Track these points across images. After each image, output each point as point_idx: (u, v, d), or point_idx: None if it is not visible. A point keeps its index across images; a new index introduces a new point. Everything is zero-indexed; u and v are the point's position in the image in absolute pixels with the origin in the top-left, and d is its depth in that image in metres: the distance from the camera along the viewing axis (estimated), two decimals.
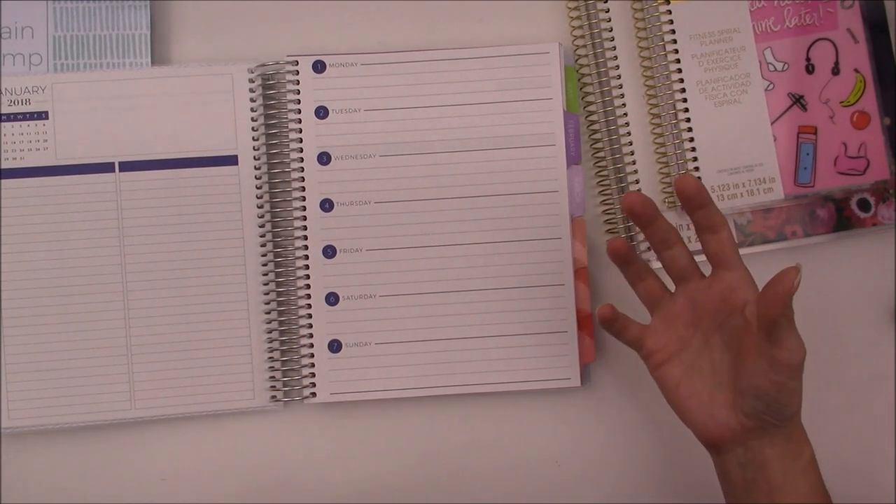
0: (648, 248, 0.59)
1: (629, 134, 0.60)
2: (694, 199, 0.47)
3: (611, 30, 0.60)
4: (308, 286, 0.58)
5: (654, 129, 0.60)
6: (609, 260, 0.60)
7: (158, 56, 0.60)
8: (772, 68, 0.59)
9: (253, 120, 0.58)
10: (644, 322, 0.52)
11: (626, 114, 0.60)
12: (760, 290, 0.44)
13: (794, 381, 0.44)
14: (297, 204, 0.58)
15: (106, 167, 0.58)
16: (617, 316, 0.51)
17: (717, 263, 0.48)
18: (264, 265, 0.58)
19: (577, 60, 0.60)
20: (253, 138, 0.58)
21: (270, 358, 0.58)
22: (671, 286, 0.52)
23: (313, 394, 0.57)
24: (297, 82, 0.58)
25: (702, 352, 0.49)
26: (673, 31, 0.59)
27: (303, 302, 0.58)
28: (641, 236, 0.59)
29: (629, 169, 0.59)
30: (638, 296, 0.52)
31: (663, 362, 0.50)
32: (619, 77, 0.60)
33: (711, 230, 0.47)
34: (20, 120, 0.58)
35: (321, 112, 0.58)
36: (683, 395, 0.48)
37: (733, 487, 0.48)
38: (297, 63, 0.59)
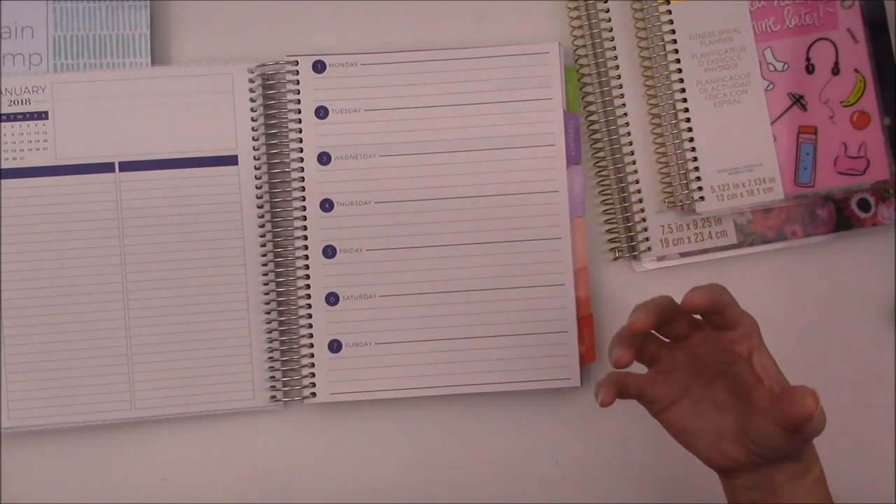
0: (648, 249, 0.59)
1: (629, 134, 0.60)
2: (713, 311, 0.44)
3: (611, 30, 0.60)
4: (308, 286, 0.58)
5: (654, 129, 0.60)
6: (608, 260, 0.60)
7: (158, 56, 0.60)
8: (772, 68, 0.59)
9: (253, 120, 0.58)
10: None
11: (626, 114, 0.60)
12: (778, 397, 0.42)
13: (811, 439, 0.44)
14: (297, 204, 0.58)
15: (106, 167, 0.58)
16: (618, 389, 0.46)
17: (720, 328, 0.45)
18: (264, 265, 0.58)
19: (577, 60, 0.60)
20: (253, 138, 0.58)
21: (270, 358, 0.58)
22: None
23: (313, 394, 0.57)
24: (297, 82, 0.58)
25: (704, 395, 0.47)
26: (673, 31, 0.58)
27: (303, 302, 0.58)
28: (640, 230, 0.59)
29: (629, 169, 0.59)
30: (638, 357, 0.48)
31: (665, 409, 0.47)
32: (619, 77, 0.60)
33: (718, 315, 0.44)
34: (20, 120, 0.58)
35: (321, 112, 0.58)
36: (691, 438, 0.47)
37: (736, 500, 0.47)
38: (297, 63, 0.59)
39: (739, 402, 0.45)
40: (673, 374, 0.47)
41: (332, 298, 0.58)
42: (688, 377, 0.47)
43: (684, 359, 0.47)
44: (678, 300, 0.45)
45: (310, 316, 0.58)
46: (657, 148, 0.59)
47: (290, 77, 0.59)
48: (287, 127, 0.59)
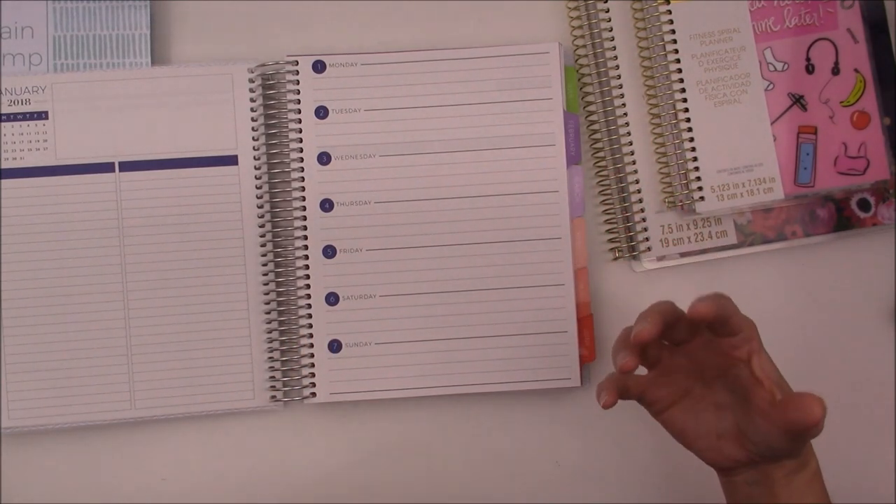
0: (648, 249, 0.59)
1: (629, 134, 0.60)
2: (716, 322, 0.44)
3: (611, 30, 0.60)
4: (308, 286, 0.58)
5: (654, 129, 0.60)
6: (608, 260, 0.60)
7: (158, 56, 0.60)
8: (772, 68, 0.59)
9: (253, 120, 0.58)
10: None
11: (626, 114, 0.59)
12: (782, 399, 0.42)
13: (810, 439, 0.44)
14: (297, 204, 0.58)
15: (106, 167, 0.58)
16: (619, 391, 0.46)
17: (720, 334, 0.45)
18: (264, 265, 0.58)
19: (577, 60, 0.60)
20: (253, 138, 0.58)
21: (270, 358, 0.58)
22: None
23: (313, 394, 0.57)
24: (297, 82, 0.58)
25: (704, 396, 0.47)
26: (673, 31, 0.58)
27: (303, 302, 0.58)
28: (640, 230, 0.59)
29: (629, 169, 0.59)
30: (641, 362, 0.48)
31: (664, 410, 0.48)
32: (619, 77, 0.60)
33: (721, 324, 0.44)
34: (20, 120, 0.58)
35: (321, 112, 0.58)
36: (690, 437, 0.47)
37: (737, 501, 0.47)
38: (297, 63, 0.59)
39: (739, 402, 0.46)
40: (673, 376, 0.47)
41: (332, 298, 0.58)
42: (688, 379, 0.47)
43: (684, 361, 0.47)
44: (678, 300, 0.45)
45: (310, 316, 0.58)
46: (657, 148, 0.59)
47: (290, 77, 0.59)
48: (287, 127, 0.59)
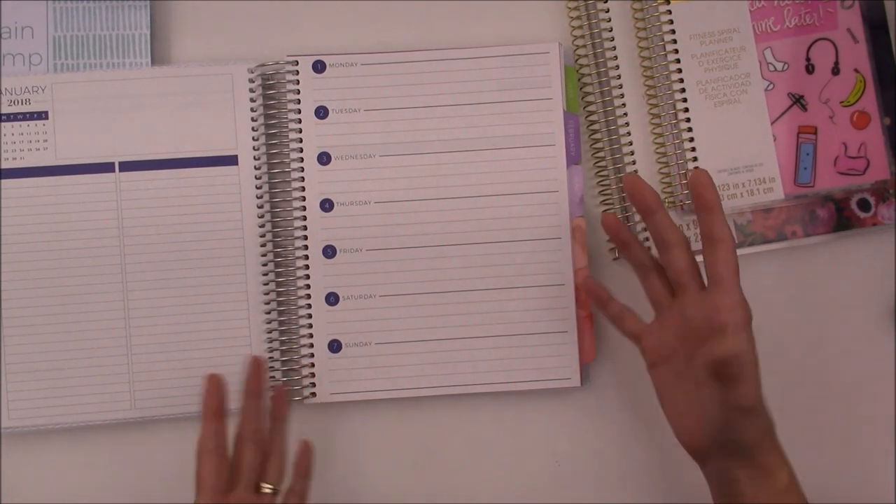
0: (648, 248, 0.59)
1: (629, 134, 0.60)
2: (701, 196, 0.46)
3: (611, 30, 0.60)
4: (308, 286, 0.58)
5: (654, 129, 0.60)
6: (609, 260, 0.60)
7: (158, 56, 0.60)
8: (772, 68, 0.59)
9: (253, 120, 0.58)
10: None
11: (626, 114, 0.60)
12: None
13: (745, 420, 0.45)
14: (297, 204, 0.58)
15: (106, 167, 0.58)
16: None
17: (711, 280, 0.47)
18: (264, 265, 0.58)
19: (577, 60, 0.60)
20: (253, 138, 0.58)
21: (270, 358, 0.58)
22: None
23: (313, 394, 0.57)
24: (297, 82, 0.58)
25: (688, 364, 0.48)
26: (673, 31, 0.58)
27: (303, 302, 0.58)
28: (640, 230, 0.59)
29: (629, 169, 0.59)
30: (645, 292, 0.52)
31: (656, 363, 0.50)
32: (619, 77, 0.60)
33: (710, 242, 0.46)
34: (20, 120, 0.58)
35: (321, 112, 0.58)
36: (666, 403, 0.49)
37: (716, 499, 0.49)
38: (297, 63, 0.59)
39: (711, 383, 0.47)
40: (667, 331, 0.50)
41: (332, 298, 0.58)
42: (676, 338, 0.49)
43: (677, 315, 0.49)
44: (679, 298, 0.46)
45: (310, 316, 0.58)
46: (657, 148, 0.59)
47: (290, 77, 0.59)
48: (287, 127, 0.59)
